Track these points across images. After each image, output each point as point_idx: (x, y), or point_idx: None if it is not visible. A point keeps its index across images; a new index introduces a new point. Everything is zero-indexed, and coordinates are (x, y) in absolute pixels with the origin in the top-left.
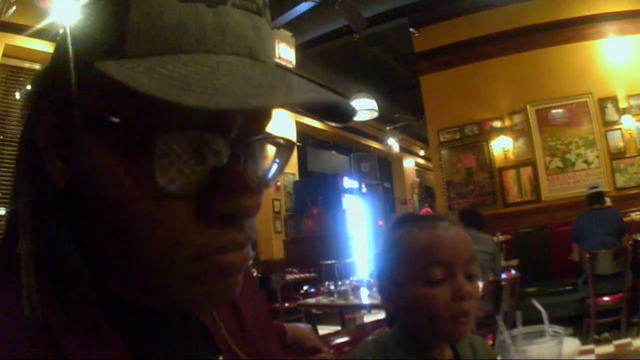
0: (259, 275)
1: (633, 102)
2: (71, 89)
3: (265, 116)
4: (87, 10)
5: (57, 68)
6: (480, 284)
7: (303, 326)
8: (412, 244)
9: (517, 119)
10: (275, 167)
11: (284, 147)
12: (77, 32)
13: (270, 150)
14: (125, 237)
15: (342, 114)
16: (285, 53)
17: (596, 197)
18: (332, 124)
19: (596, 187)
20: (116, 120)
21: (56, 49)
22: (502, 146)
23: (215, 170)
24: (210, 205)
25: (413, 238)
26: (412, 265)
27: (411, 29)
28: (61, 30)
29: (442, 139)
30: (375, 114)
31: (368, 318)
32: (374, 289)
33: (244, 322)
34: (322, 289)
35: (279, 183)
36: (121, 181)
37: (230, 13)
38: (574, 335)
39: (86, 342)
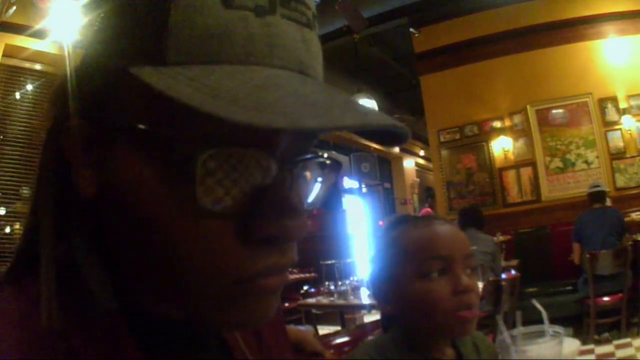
0: None
1: (633, 102)
2: (103, 94)
3: (312, 134)
4: (120, 8)
5: (86, 70)
6: (480, 284)
7: (304, 329)
8: (409, 241)
9: (517, 119)
10: (320, 188)
11: (330, 167)
12: (109, 33)
13: (316, 170)
14: (158, 256)
15: (396, 138)
16: None
17: (597, 196)
18: (383, 146)
19: (597, 186)
20: (152, 130)
21: (85, 49)
22: (502, 146)
23: (259, 190)
24: (253, 227)
25: (409, 235)
26: (410, 262)
27: (411, 29)
28: (88, 31)
29: (442, 139)
30: None
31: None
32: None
33: (261, 333)
34: (322, 289)
35: None
36: (158, 197)
37: (279, 24)
38: (574, 335)
39: (104, 353)
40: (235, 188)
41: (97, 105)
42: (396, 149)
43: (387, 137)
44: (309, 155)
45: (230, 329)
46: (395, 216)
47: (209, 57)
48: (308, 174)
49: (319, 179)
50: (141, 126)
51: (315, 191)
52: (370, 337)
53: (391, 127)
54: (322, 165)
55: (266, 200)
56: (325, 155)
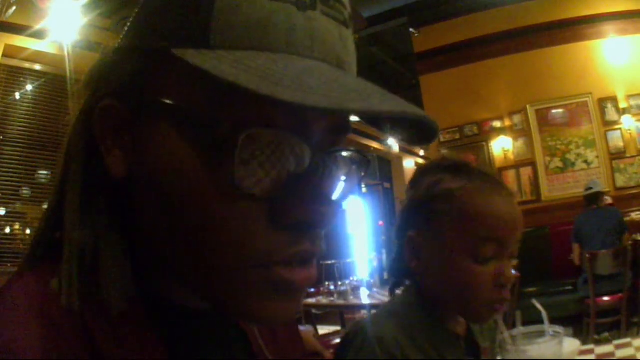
0: None
1: (633, 102)
2: (140, 74)
3: (345, 129)
4: None
5: (123, 51)
6: None
7: (304, 329)
8: (472, 208)
9: (517, 119)
10: (348, 182)
11: (360, 163)
12: (150, 13)
13: (346, 164)
14: (189, 236)
15: (424, 134)
16: None
17: (593, 198)
18: (409, 144)
19: (591, 188)
20: (193, 111)
21: (125, 31)
22: (502, 146)
23: (293, 176)
24: (285, 210)
25: (474, 201)
26: (464, 232)
27: (411, 29)
28: (131, 16)
29: (442, 139)
30: None
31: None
32: (374, 289)
33: (277, 333)
34: (322, 289)
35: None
36: (194, 176)
37: (319, 20)
38: (574, 335)
39: (124, 340)
40: (271, 171)
41: (134, 86)
42: (396, 149)
43: (415, 133)
44: (341, 148)
45: (253, 321)
46: (453, 159)
47: (252, 43)
48: (338, 167)
49: (348, 174)
50: (181, 107)
51: (343, 185)
52: (383, 311)
53: (426, 119)
54: (352, 161)
55: (299, 186)
56: (357, 151)
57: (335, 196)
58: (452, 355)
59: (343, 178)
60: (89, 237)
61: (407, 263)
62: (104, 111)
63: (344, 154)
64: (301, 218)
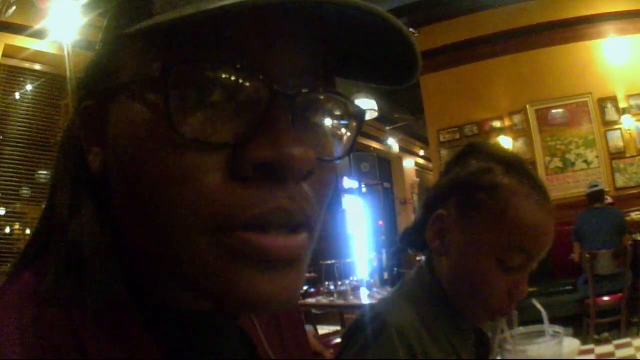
0: None
1: (633, 102)
2: (105, 69)
3: (318, 68)
4: None
5: (98, 49)
6: None
7: None
8: (514, 211)
9: (517, 119)
10: (340, 136)
11: (350, 117)
12: (111, 15)
13: (331, 114)
14: (148, 205)
15: (403, 61)
16: None
17: (597, 195)
18: (386, 83)
19: (596, 185)
20: (136, 81)
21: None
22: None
23: (251, 118)
24: (243, 154)
25: (520, 206)
26: (499, 234)
27: (411, 29)
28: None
29: (442, 139)
30: (375, 114)
31: None
32: (374, 289)
33: (283, 334)
34: (322, 289)
35: None
36: (140, 135)
37: None
38: (574, 335)
39: (116, 343)
40: (218, 111)
41: (102, 79)
42: (396, 149)
43: (391, 63)
44: (313, 90)
45: (235, 307)
46: (503, 148)
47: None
48: (318, 113)
49: (338, 126)
50: (127, 81)
51: (330, 140)
52: (400, 296)
53: (389, 21)
54: (340, 111)
55: (260, 129)
56: (341, 96)
57: (320, 152)
58: (464, 346)
59: (330, 129)
60: (77, 237)
61: (428, 240)
62: (84, 112)
63: (321, 96)
64: (262, 159)
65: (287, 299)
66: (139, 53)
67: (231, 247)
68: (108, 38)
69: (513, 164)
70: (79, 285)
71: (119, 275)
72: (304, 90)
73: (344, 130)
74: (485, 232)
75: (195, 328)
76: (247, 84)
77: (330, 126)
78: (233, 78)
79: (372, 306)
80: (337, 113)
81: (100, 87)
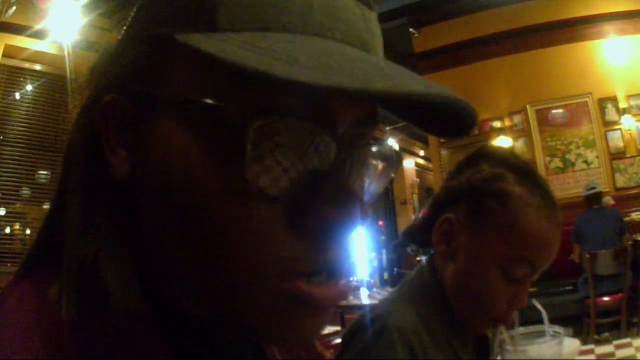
0: None
1: (633, 102)
2: (144, 66)
3: (373, 119)
4: None
5: (126, 42)
6: None
7: None
8: (524, 224)
9: (517, 119)
10: (377, 181)
11: (390, 159)
12: (155, 3)
13: (374, 160)
14: (201, 242)
15: (461, 124)
16: None
17: (594, 197)
18: (440, 136)
19: (593, 187)
20: (200, 100)
21: (128, 21)
22: (502, 146)
23: (316, 173)
24: (306, 211)
25: (528, 217)
26: (505, 243)
27: (411, 29)
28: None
29: (441, 139)
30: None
31: None
32: (374, 289)
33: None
34: None
35: None
36: (203, 175)
37: None
38: (574, 335)
39: (129, 355)
40: (290, 167)
41: (137, 79)
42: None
43: (447, 122)
44: (369, 142)
45: (270, 339)
46: (523, 158)
47: (263, 24)
48: (367, 163)
49: (378, 171)
50: (187, 97)
51: (372, 184)
52: (400, 296)
53: (465, 105)
54: (382, 156)
55: (323, 184)
56: (388, 144)
57: (363, 196)
58: (464, 347)
59: (372, 175)
60: (90, 244)
61: (434, 242)
62: (107, 106)
63: (373, 148)
64: (326, 219)
65: (320, 333)
66: (197, 68)
67: (288, 295)
68: (149, 27)
69: (525, 172)
70: (92, 295)
71: (137, 286)
72: (363, 142)
73: (384, 172)
74: (492, 239)
75: (208, 338)
76: (319, 139)
77: (372, 170)
78: (309, 134)
79: (372, 307)
80: (379, 159)
81: (133, 85)
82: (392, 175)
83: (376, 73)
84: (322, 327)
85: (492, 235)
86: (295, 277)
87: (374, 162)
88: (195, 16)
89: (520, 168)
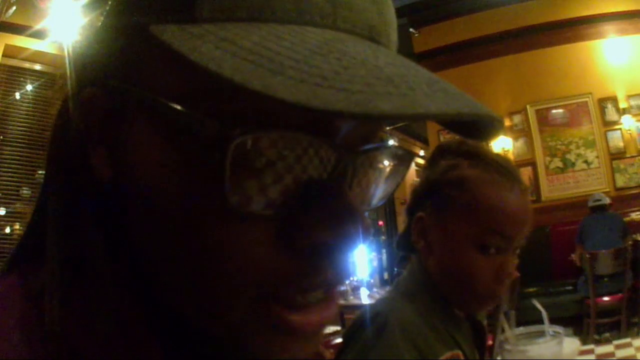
0: None
1: (633, 102)
2: (121, 58)
3: (377, 122)
4: None
5: (106, 30)
6: None
7: None
8: (483, 199)
9: (517, 119)
10: (386, 185)
11: (400, 160)
12: None
13: (381, 162)
14: (180, 257)
15: (487, 129)
16: None
17: (599, 208)
18: (466, 137)
19: (599, 199)
20: (174, 106)
21: (107, 7)
22: (502, 146)
23: (310, 185)
24: (299, 231)
25: (486, 192)
26: (472, 222)
27: (411, 29)
28: None
29: (442, 139)
30: None
31: None
32: (374, 289)
33: None
34: None
35: None
36: (180, 188)
37: None
38: (574, 335)
39: (119, 356)
40: (278, 184)
41: (114, 73)
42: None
43: (474, 127)
44: (375, 145)
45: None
46: (469, 143)
47: (251, 12)
48: (372, 169)
49: (386, 175)
50: (162, 100)
51: (380, 189)
52: (398, 293)
53: (488, 117)
54: (391, 157)
55: (319, 199)
56: (395, 144)
57: (367, 207)
58: (462, 336)
59: (379, 179)
60: (75, 243)
61: (414, 243)
62: (87, 102)
63: (380, 151)
64: (321, 240)
65: (311, 355)
66: (173, 65)
67: (269, 319)
68: (125, 15)
69: (477, 155)
70: (77, 299)
71: (125, 291)
72: (366, 148)
73: (390, 176)
74: (459, 223)
75: (204, 346)
76: (315, 150)
77: (378, 174)
78: (302, 145)
79: (372, 305)
80: (387, 161)
81: (111, 79)
82: (403, 175)
83: (381, 87)
84: (310, 350)
85: (458, 220)
86: (274, 301)
87: (380, 165)
88: (173, 3)
89: (472, 153)
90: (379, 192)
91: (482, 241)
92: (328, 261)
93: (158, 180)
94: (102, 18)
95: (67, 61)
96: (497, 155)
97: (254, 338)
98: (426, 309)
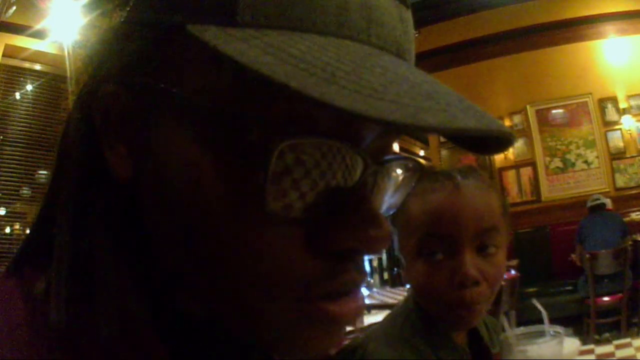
0: None
1: (633, 103)
2: (147, 55)
3: (397, 130)
4: None
5: (129, 28)
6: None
7: None
8: (412, 208)
9: (517, 119)
10: (397, 194)
11: (412, 171)
12: None
13: (396, 173)
14: (209, 258)
15: (499, 145)
16: None
17: (598, 208)
18: (475, 152)
19: (597, 199)
20: (213, 106)
21: (132, 3)
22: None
23: (337, 191)
24: (329, 236)
25: (414, 200)
26: (411, 235)
27: None
28: None
29: (442, 139)
30: None
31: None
32: (374, 289)
33: None
34: None
35: None
36: (212, 189)
37: None
38: (574, 335)
39: (125, 357)
40: (313, 189)
41: (141, 70)
42: (396, 149)
43: (484, 142)
44: (396, 156)
45: (285, 355)
46: (428, 170)
47: (292, 21)
48: (389, 177)
49: (398, 185)
50: (199, 99)
51: (392, 198)
52: (379, 326)
53: (509, 135)
54: (404, 168)
55: (345, 204)
56: (411, 157)
57: (384, 207)
58: (452, 355)
59: (393, 189)
60: (83, 244)
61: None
62: (107, 99)
63: (397, 162)
64: (349, 245)
65: (335, 346)
66: (211, 67)
67: (308, 314)
68: (157, 12)
69: (425, 176)
70: (84, 298)
71: (134, 291)
72: (388, 157)
73: (401, 186)
74: (404, 238)
75: (214, 345)
76: (345, 158)
77: (392, 184)
78: (335, 153)
79: (355, 338)
80: (400, 171)
81: (137, 77)
82: (412, 186)
83: (424, 100)
84: (336, 341)
85: (402, 236)
86: (314, 299)
87: (394, 175)
88: (212, 4)
89: (425, 175)
90: (391, 201)
91: (421, 247)
92: (354, 264)
93: (191, 181)
94: (123, 15)
95: (67, 62)
96: (459, 168)
97: (294, 334)
98: (411, 331)
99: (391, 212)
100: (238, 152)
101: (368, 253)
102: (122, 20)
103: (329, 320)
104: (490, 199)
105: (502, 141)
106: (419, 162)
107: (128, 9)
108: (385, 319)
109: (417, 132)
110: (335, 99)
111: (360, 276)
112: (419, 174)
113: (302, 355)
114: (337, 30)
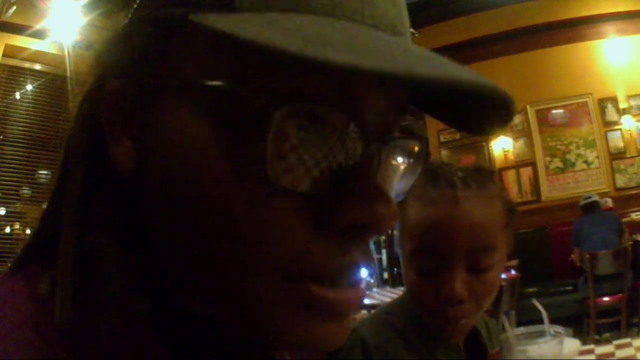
0: None
1: (633, 103)
2: (151, 49)
3: (402, 109)
4: None
5: (133, 25)
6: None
7: None
8: (410, 213)
9: (517, 119)
10: (406, 176)
11: (418, 152)
12: None
13: (402, 156)
14: (212, 242)
15: (496, 119)
16: None
17: (590, 206)
18: (475, 133)
19: (589, 197)
20: (216, 84)
21: (136, 3)
22: (502, 146)
23: (342, 168)
24: (333, 211)
25: (411, 210)
26: (405, 240)
27: (411, 29)
28: None
29: (442, 139)
30: None
31: None
32: (374, 289)
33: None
34: None
35: None
36: (216, 168)
37: None
38: (574, 335)
39: (125, 355)
40: (316, 161)
41: (146, 64)
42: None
43: (481, 117)
44: (400, 135)
45: (289, 348)
46: (433, 164)
47: (288, 4)
48: (396, 157)
49: (406, 166)
50: (201, 81)
51: (398, 183)
52: (374, 314)
53: (503, 95)
54: (410, 149)
55: (350, 180)
56: (418, 136)
57: (392, 193)
58: (446, 350)
59: (398, 175)
60: (88, 241)
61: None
62: (113, 94)
63: (403, 141)
64: (354, 220)
65: (339, 342)
66: (212, 52)
67: (302, 298)
68: (159, 8)
69: (429, 173)
70: (88, 294)
71: (137, 287)
72: (392, 135)
73: (412, 166)
74: (402, 244)
75: (215, 343)
76: (346, 130)
77: (397, 169)
78: (336, 123)
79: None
80: (405, 156)
81: (141, 70)
82: (418, 172)
83: (416, 58)
84: (341, 334)
85: (402, 240)
86: (306, 279)
87: (400, 158)
88: None
89: (428, 171)
90: (399, 187)
91: (416, 260)
92: (356, 242)
93: (194, 161)
94: (128, 14)
95: (67, 62)
96: (446, 168)
97: (289, 321)
98: (404, 326)
99: (399, 199)
100: (241, 128)
101: (373, 231)
102: (127, 20)
103: (324, 307)
104: (492, 213)
105: (501, 111)
106: (424, 146)
107: (133, 8)
108: (383, 306)
109: (416, 85)
110: (329, 57)
111: (363, 258)
112: (424, 159)
113: (305, 350)
114: (332, 11)
